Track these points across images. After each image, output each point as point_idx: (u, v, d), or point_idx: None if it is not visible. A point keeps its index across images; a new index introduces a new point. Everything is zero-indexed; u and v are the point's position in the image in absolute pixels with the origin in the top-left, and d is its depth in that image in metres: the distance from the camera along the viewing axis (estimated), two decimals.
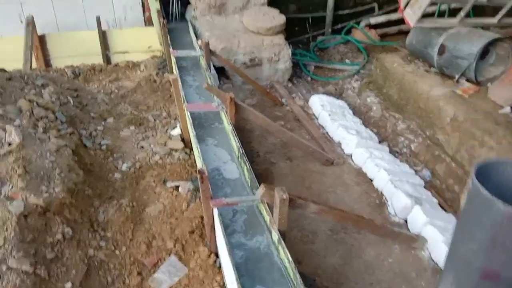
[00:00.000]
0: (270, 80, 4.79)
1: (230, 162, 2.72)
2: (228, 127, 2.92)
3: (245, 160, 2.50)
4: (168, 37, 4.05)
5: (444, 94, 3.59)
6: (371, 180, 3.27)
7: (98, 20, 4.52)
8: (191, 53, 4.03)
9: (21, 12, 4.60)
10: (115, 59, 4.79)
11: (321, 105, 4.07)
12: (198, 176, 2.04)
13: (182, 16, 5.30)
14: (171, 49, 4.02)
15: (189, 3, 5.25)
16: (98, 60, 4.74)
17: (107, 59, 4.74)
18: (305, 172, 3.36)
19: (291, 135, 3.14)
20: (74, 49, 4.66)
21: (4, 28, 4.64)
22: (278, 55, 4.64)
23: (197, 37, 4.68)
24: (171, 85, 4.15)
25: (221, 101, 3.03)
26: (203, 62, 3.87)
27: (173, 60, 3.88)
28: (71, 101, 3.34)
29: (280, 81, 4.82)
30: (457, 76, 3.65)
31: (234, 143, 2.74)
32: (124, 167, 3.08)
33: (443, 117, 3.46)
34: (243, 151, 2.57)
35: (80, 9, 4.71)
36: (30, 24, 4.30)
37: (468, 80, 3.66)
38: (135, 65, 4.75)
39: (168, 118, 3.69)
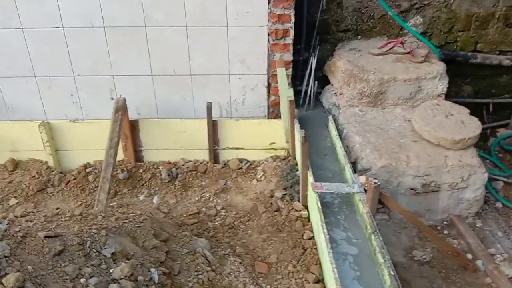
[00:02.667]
0: (448, 213, 3.17)
1: None
2: None
3: None
4: (308, 160, 2.64)
5: None
6: None
7: (209, 108, 3.28)
8: (342, 188, 2.56)
9: (113, 87, 3.52)
10: (225, 156, 3.52)
11: None
12: None
13: (316, 97, 3.91)
14: (311, 180, 2.60)
15: (328, 82, 3.85)
16: (203, 155, 3.50)
17: (214, 156, 3.48)
18: None
19: None
20: (174, 141, 3.46)
21: (91, 107, 3.60)
22: (466, 180, 3.02)
23: (340, 137, 3.24)
24: (303, 226, 2.76)
25: None
26: (363, 210, 2.39)
27: (316, 199, 2.46)
28: (156, 277, 2.04)
29: (463, 215, 3.18)
30: None
31: None
32: None
33: None
34: None
35: (187, 89, 3.53)
36: (120, 109, 3.18)
37: None
38: (250, 169, 3.42)
39: None
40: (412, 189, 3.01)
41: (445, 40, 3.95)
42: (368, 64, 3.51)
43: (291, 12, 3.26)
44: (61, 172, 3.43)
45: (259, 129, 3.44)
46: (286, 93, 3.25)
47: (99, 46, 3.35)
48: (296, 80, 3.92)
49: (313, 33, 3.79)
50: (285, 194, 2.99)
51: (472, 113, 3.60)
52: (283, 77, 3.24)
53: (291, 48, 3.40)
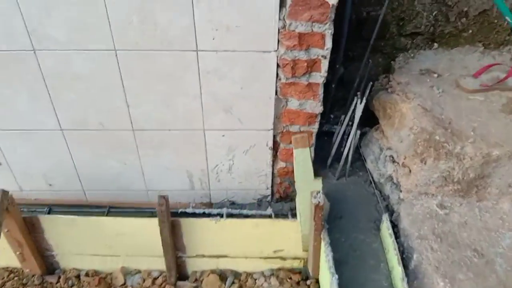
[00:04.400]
0: None
1: None
2: None
3: None
4: None
5: None
6: None
7: (163, 207, 1.75)
8: None
9: (2, 154, 1.96)
10: (198, 265, 2.06)
11: None
12: None
13: (357, 149, 2.35)
14: None
15: (376, 126, 2.27)
16: (159, 264, 2.04)
17: (177, 267, 2.02)
18: None
19: None
20: (107, 245, 1.99)
21: None
22: None
23: (405, 267, 1.75)
24: None
25: None
26: None
27: None
28: None
29: None
30: None
31: None
32: None
33: None
34: None
35: (129, 151, 1.97)
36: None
37: None
38: None
39: None
40: None
41: None
42: (459, 117, 1.91)
43: (327, 30, 1.60)
44: None
45: (257, 232, 1.94)
46: (308, 185, 1.72)
47: None
48: (323, 117, 2.33)
49: (356, 37, 2.13)
50: None
51: None
52: (305, 161, 1.67)
53: (320, 91, 1.79)
